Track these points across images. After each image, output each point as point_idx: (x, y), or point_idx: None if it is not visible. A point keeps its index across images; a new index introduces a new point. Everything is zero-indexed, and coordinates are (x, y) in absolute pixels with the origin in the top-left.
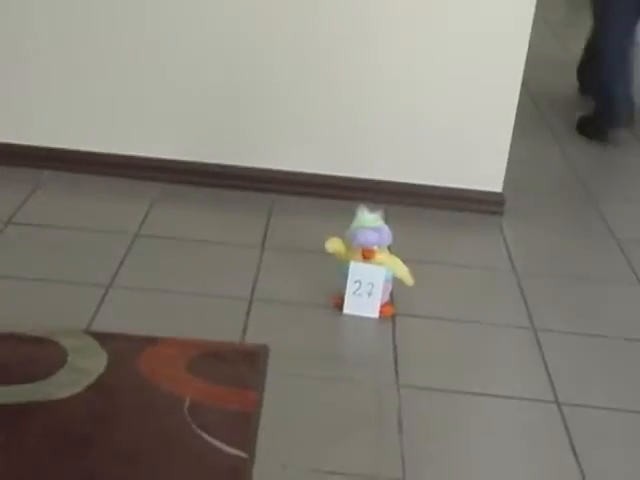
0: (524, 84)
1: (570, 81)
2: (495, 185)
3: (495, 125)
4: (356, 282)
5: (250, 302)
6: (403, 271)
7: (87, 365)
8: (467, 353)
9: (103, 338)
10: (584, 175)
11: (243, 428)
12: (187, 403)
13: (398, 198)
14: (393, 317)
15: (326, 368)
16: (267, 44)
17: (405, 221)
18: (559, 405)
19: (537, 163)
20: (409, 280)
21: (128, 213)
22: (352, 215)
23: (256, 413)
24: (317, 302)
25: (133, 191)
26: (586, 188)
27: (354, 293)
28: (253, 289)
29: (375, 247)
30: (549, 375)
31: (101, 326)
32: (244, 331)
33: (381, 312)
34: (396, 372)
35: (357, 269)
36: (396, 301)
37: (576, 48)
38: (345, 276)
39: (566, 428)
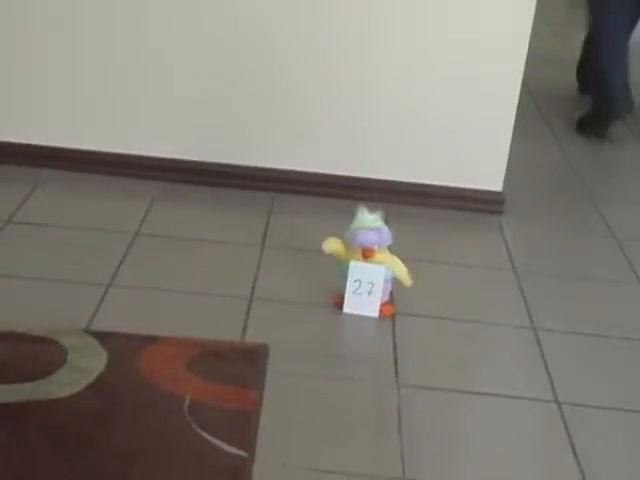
0: (524, 84)
1: (570, 80)
2: (495, 184)
3: (495, 124)
4: (356, 281)
5: (250, 301)
6: (402, 272)
7: (87, 364)
8: (467, 352)
9: (103, 337)
10: (584, 174)
11: (243, 427)
12: (187, 402)
13: (398, 197)
14: (393, 316)
15: (326, 367)
16: (267, 44)
17: (405, 220)
18: (559, 404)
19: (537, 162)
20: (408, 281)
21: (128, 212)
22: (352, 214)
23: (256, 412)
24: (317, 301)
25: (133, 190)
26: (586, 187)
27: (354, 292)
28: (253, 288)
29: (375, 246)
30: (549, 374)
31: (101, 325)
32: (244, 330)
33: (381, 311)
34: (396, 371)
35: (357, 268)
36: (396, 300)
37: (576, 47)
38: (345, 275)
39: (566, 427)
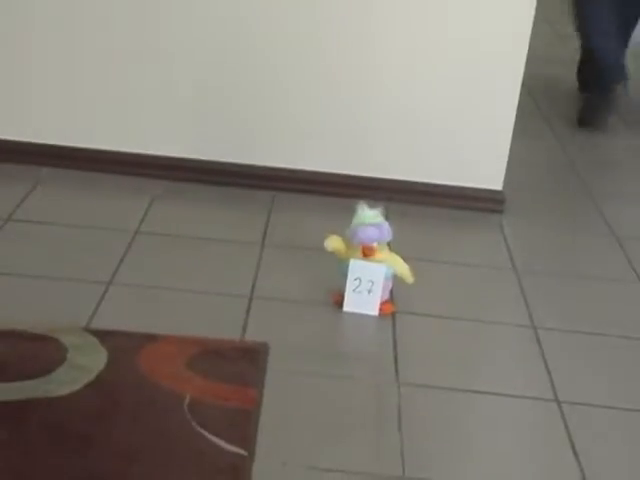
0: (524, 83)
1: (570, 80)
2: (495, 183)
3: (495, 123)
4: (356, 279)
5: (250, 299)
6: (403, 269)
7: (87, 362)
8: (467, 351)
9: (103, 335)
10: (584, 173)
11: (243, 426)
12: (187, 400)
13: (398, 196)
14: (393, 315)
15: (326, 365)
16: (268, 44)
17: (405, 219)
18: (559, 403)
19: (537, 161)
20: (409, 278)
21: (128, 210)
22: (353, 213)
23: (256, 411)
24: (317, 299)
25: (133, 188)
26: (586, 186)
27: (354, 291)
28: (253, 286)
29: (375, 244)
30: (549, 373)
31: (101, 323)
32: (244, 328)
33: (381, 310)
34: (396, 370)
35: (357, 266)
36: (396, 299)
37: (576, 47)
38: (345, 274)
39: (566, 426)
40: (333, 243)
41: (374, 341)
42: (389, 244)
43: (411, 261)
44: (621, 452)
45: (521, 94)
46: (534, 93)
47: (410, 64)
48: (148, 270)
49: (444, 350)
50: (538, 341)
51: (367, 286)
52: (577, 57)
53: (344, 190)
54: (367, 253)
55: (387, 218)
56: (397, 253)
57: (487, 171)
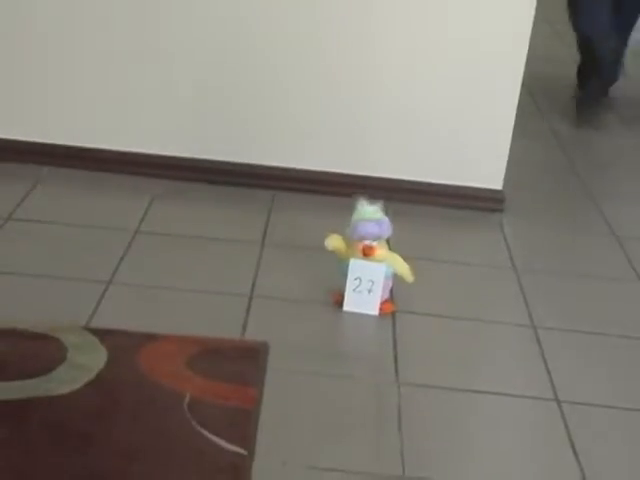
0: (524, 83)
1: (571, 79)
2: (495, 182)
3: (495, 123)
4: (356, 279)
5: (250, 299)
6: (403, 268)
7: (87, 361)
8: (467, 351)
9: (103, 334)
10: (583, 172)
11: (243, 425)
12: (187, 400)
13: (398, 195)
14: (393, 314)
15: (326, 365)
16: (268, 43)
17: (405, 218)
18: (559, 403)
19: (537, 161)
20: (409, 277)
21: (128, 210)
22: (352, 211)
23: (256, 410)
24: (317, 299)
25: (133, 188)
26: (585, 185)
27: (354, 290)
28: (253, 286)
29: (375, 243)
30: (549, 372)
31: (101, 322)
32: (244, 328)
33: (381, 309)
34: (396, 369)
35: (357, 266)
36: (396, 298)
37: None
38: (345, 273)
39: (566, 426)
40: (333, 242)
41: (374, 340)
42: (389, 243)
43: (411, 260)
44: (621, 451)
45: (521, 94)
46: (534, 93)
47: (410, 64)
48: (148, 269)
49: (444, 350)
50: (538, 340)
51: (367, 286)
52: (577, 56)
53: (344, 189)
54: (367, 252)
55: (387, 215)
56: (397, 252)
57: (487, 170)
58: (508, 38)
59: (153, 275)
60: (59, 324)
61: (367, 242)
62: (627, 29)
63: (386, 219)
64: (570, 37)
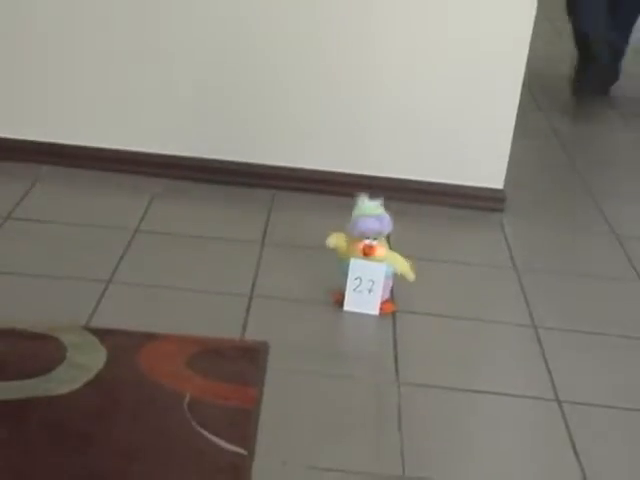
0: (524, 82)
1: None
2: (496, 182)
3: (496, 122)
4: (356, 279)
5: (250, 298)
6: (404, 266)
7: (86, 361)
8: (467, 350)
9: (102, 334)
10: (584, 172)
11: (243, 425)
12: (187, 399)
13: (398, 194)
14: (393, 314)
15: (326, 365)
16: (268, 43)
17: (405, 218)
18: (559, 403)
19: (538, 160)
20: (411, 275)
21: (128, 209)
22: (353, 208)
23: (256, 410)
24: (317, 299)
25: (133, 187)
26: (586, 184)
27: (354, 290)
28: (253, 285)
29: (375, 243)
30: (549, 372)
31: (100, 322)
32: (244, 327)
33: (382, 309)
34: (396, 369)
35: (357, 266)
36: (396, 298)
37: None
38: (345, 273)
39: (566, 426)
40: (335, 240)
41: (374, 340)
42: (389, 243)
43: (411, 260)
44: (622, 452)
45: (521, 92)
46: (534, 91)
47: (410, 64)
48: (148, 269)
49: (444, 349)
50: (538, 340)
51: (368, 285)
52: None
53: (345, 188)
54: (367, 252)
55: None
56: (397, 252)
57: (488, 170)
58: (509, 37)
59: (153, 274)
60: (58, 324)
61: (367, 241)
62: (628, 28)
63: (387, 215)
64: (571, 35)
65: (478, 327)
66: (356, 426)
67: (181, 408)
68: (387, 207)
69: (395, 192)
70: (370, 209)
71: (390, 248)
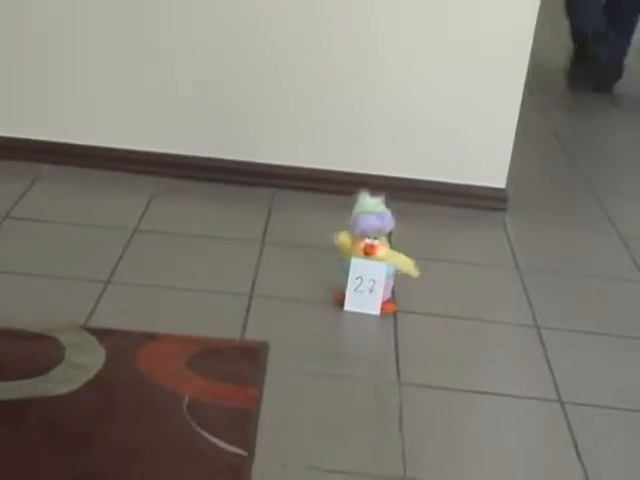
0: (526, 81)
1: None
2: (498, 181)
3: (498, 121)
4: (357, 278)
5: (250, 298)
6: (407, 264)
7: (85, 361)
8: (469, 351)
9: (101, 334)
10: (587, 171)
11: (243, 425)
12: (186, 400)
13: (400, 194)
14: (395, 314)
15: (327, 365)
16: (268, 43)
17: (407, 217)
18: (562, 404)
19: (540, 159)
20: (414, 272)
21: (127, 208)
22: (354, 205)
23: (256, 410)
24: (318, 298)
25: (132, 186)
26: (589, 183)
27: (355, 290)
28: (253, 285)
29: (377, 242)
30: (552, 373)
31: (99, 322)
32: (244, 327)
33: (383, 309)
34: (397, 369)
35: (358, 265)
36: (398, 298)
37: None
38: (347, 272)
39: (569, 427)
40: (340, 237)
41: (375, 340)
42: (391, 242)
43: (413, 260)
44: (624, 453)
45: (524, 92)
46: (535, 91)
47: (414, 60)
48: (147, 268)
49: (446, 350)
50: (541, 340)
51: (369, 285)
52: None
53: (345, 187)
54: (368, 251)
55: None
56: (399, 251)
57: (490, 169)
58: (511, 37)
59: (152, 274)
60: (57, 324)
61: (369, 241)
62: (628, 27)
63: (388, 212)
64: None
65: (480, 327)
66: (357, 427)
67: (180, 408)
68: (389, 206)
69: (397, 191)
70: (371, 206)
71: (391, 247)
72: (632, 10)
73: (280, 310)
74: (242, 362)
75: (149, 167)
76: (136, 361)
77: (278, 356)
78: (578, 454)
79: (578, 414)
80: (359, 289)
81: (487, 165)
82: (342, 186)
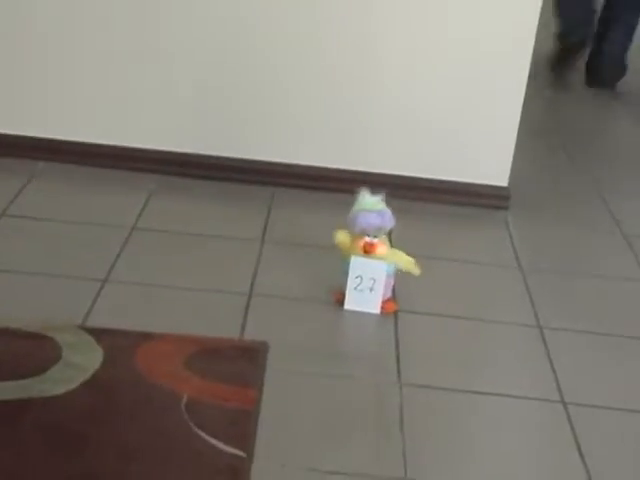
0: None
1: (577, 76)
2: (501, 179)
3: (501, 119)
4: (357, 277)
5: (249, 297)
6: (408, 262)
7: (82, 361)
8: (471, 351)
9: (99, 334)
10: (590, 169)
11: (241, 426)
12: (184, 400)
13: (401, 192)
14: (395, 313)
15: (327, 365)
16: (268, 43)
17: (408, 215)
18: (565, 405)
19: (543, 157)
20: (415, 270)
21: (125, 206)
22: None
23: (255, 411)
24: (318, 297)
25: (130, 183)
26: (593, 182)
27: (355, 288)
28: (252, 284)
29: (376, 240)
30: (555, 373)
31: (96, 321)
32: (243, 327)
33: (383, 308)
34: (398, 369)
35: (358, 264)
36: (398, 297)
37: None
38: (347, 271)
39: (572, 428)
40: (340, 236)
41: (376, 340)
42: (391, 241)
43: (414, 258)
44: (627, 454)
45: (526, 90)
46: (540, 89)
47: (415, 58)
48: (145, 267)
49: (447, 350)
50: (544, 341)
51: (369, 284)
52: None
53: (345, 185)
54: (368, 250)
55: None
56: (400, 250)
57: (492, 167)
58: (513, 36)
59: (150, 273)
60: (53, 323)
61: (368, 239)
62: (630, 25)
63: (388, 210)
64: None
65: (482, 327)
66: (357, 427)
67: (179, 409)
68: (389, 204)
69: (398, 189)
70: (371, 204)
71: (392, 246)
72: (632, 8)
73: (280, 309)
74: (241, 362)
75: (147, 165)
76: (134, 361)
77: (277, 356)
78: (581, 455)
79: (581, 415)
80: (359, 288)
81: (489, 163)
82: (342, 184)
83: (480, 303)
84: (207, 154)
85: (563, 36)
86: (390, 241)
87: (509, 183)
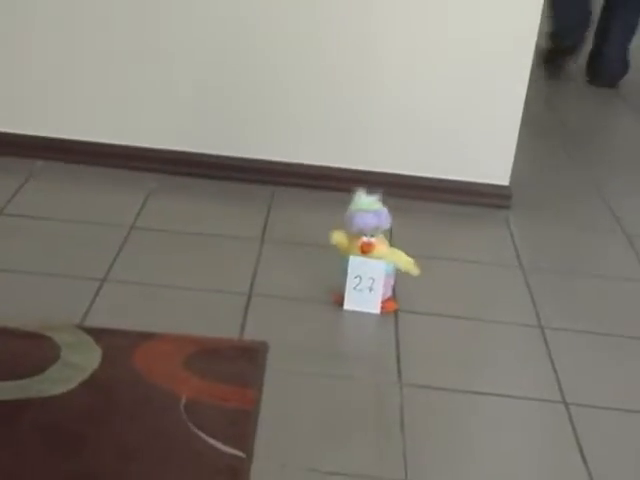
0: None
1: (577, 74)
2: (502, 178)
3: (502, 119)
4: (356, 277)
5: (249, 297)
6: (406, 262)
7: (81, 361)
8: (471, 351)
9: (97, 333)
10: (592, 169)
11: (241, 427)
12: (183, 401)
13: (402, 191)
14: (395, 313)
15: (326, 365)
16: (268, 43)
17: (409, 214)
18: (566, 405)
19: (544, 157)
20: (414, 270)
21: (124, 205)
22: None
23: (255, 411)
24: (318, 297)
25: (129, 182)
26: (594, 182)
27: (355, 288)
28: (252, 284)
29: (374, 240)
30: (556, 374)
31: (95, 321)
32: (243, 327)
33: (383, 308)
34: (398, 370)
35: (357, 263)
36: (398, 297)
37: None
38: (346, 271)
39: (573, 429)
40: (337, 237)
41: (376, 340)
42: (391, 240)
43: (415, 258)
44: (629, 455)
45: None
46: (541, 88)
47: (417, 57)
48: (144, 266)
49: (448, 350)
50: (545, 341)
51: (368, 284)
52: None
53: (345, 185)
54: (365, 249)
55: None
56: (401, 250)
57: (494, 166)
58: (514, 35)
59: (149, 272)
60: (52, 323)
61: (365, 239)
62: (630, 24)
63: (385, 210)
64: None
65: (482, 327)
66: (357, 428)
67: (178, 409)
68: (390, 204)
69: (398, 188)
70: (367, 204)
71: (393, 246)
72: (632, 8)
73: (279, 309)
74: (241, 362)
75: (147, 164)
76: (132, 361)
77: (277, 356)
78: (583, 456)
79: (583, 415)
80: (358, 288)
81: (491, 163)
82: (343, 183)
83: (481, 303)
84: (207, 153)
85: (556, 37)
86: (390, 240)
87: (510, 182)
